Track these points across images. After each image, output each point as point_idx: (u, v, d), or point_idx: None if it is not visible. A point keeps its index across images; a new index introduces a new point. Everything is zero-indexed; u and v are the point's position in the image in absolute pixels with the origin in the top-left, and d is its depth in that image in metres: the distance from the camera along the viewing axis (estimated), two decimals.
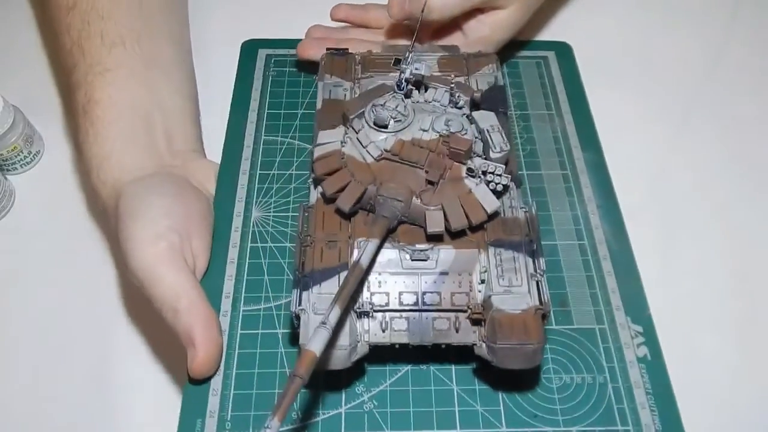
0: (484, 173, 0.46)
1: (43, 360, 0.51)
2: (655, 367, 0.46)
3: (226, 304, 0.48)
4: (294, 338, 0.47)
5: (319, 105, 0.53)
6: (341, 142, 0.48)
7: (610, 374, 0.46)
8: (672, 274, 0.55)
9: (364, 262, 0.42)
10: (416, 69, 0.48)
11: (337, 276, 0.44)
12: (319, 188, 0.47)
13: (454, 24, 0.61)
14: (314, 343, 0.37)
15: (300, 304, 0.43)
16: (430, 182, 0.46)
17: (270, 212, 0.53)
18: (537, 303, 0.43)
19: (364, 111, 0.49)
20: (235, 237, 0.52)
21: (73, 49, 0.53)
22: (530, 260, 0.45)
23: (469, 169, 0.46)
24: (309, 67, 0.63)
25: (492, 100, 0.52)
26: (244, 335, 0.47)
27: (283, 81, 0.63)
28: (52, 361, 0.51)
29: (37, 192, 0.58)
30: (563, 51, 0.65)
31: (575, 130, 0.59)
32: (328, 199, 0.46)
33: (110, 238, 0.57)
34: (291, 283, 0.49)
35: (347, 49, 0.57)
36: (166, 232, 0.46)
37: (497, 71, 0.56)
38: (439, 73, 0.53)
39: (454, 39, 0.61)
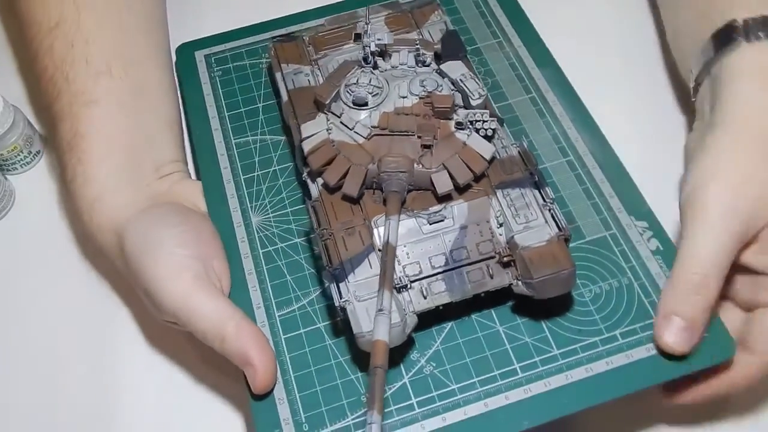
0: (472, 123, 0.47)
1: (44, 360, 0.52)
2: (669, 253, 0.49)
3: (260, 315, 0.49)
4: (337, 329, 0.48)
5: (284, 96, 0.53)
6: (327, 130, 0.48)
7: (632, 273, 0.49)
8: (656, 163, 0.57)
9: (393, 240, 0.43)
10: (379, 39, 0.49)
11: (366, 260, 0.45)
12: (319, 180, 0.48)
13: None
14: (380, 331, 0.38)
15: (342, 297, 0.44)
16: (425, 146, 0.47)
17: (269, 214, 0.54)
18: (556, 230, 0.45)
19: (338, 93, 0.49)
20: (244, 247, 0.52)
21: (56, 75, 0.51)
22: (537, 192, 0.47)
23: (458, 123, 0.47)
24: (252, 55, 0.62)
25: (450, 47, 0.53)
26: (289, 339, 0.48)
27: (231, 78, 0.62)
28: (52, 361, 0.52)
29: (37, 192, 0.58)
30: None
31: (527, 51, 0.61)
32: (332, 189, 0.47)
33: (108, 275, 0.57)
34: (314, 278, 0.50)
35: (293, 33, 0.57)
36: (187, 262, 0.46)
37: (444, 16, 0.56)
38: (396, 36, 0.53)
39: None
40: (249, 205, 0.54)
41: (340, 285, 0.44)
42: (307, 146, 0.48)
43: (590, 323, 0.47)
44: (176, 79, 0.62)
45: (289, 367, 0.47)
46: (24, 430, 0.50)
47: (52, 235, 0.55)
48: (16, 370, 0.52)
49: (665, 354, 0.45)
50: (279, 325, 0.49)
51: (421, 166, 0.46)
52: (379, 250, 0.45)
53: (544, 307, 0.47)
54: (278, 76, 0.55)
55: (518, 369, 0.46)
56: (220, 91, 0.61)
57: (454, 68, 0.50)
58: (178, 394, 0.52)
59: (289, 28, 0.64)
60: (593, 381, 0.45)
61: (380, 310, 0.39)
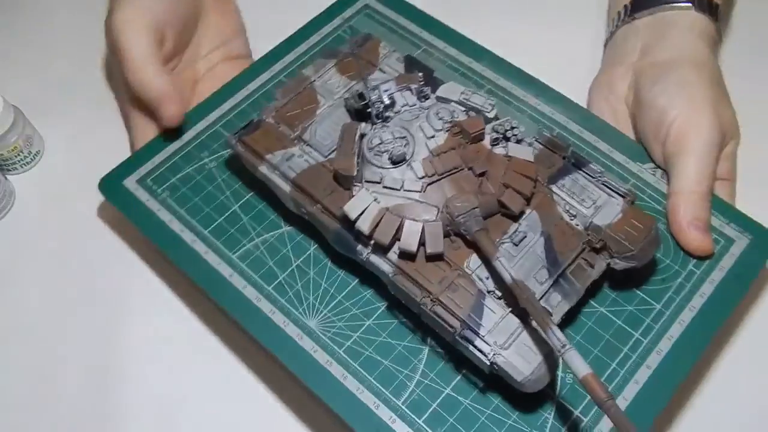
0: (503, 134, 0.47)
1: (44, 359, 0.52)
2: None
3: (384, 412, 0.45)
4: (494, 380, 0.45)
5: (285, 187, 0.49)
6: (375, 201, 0.45)
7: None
8: None
9: (515, 275, 0.42)
10: (386, 90, 0.46)
11: (485, 307, 0.43)
12: (394, 253, 0.45)
13: None
14: (581, 365, 0.37)
15: (487, 353, 0.42)
16: (480, 174, 0.45)
17: (322, 310, 0.49)
18: (621, 198, 0.47)
19: (366, 160, 0.46)
20: (322, 357, 0.47)
21: None
22: (583, 172, 0.48)
23: (494, 140, 0.47)
24: (190, 160, 0.56)
25: (420, 71, 0.52)
26: (430, 417, 0.45)
27: (184, 194, 0.55)
28: (52, 361, 0.52)
29: (37, 192, 0.58)
30: None
31: (456, 50, 0.61)
32: (411, 255, 0.44)
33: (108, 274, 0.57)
34: (416, 345, 0.47)
35: (253, 119, 0.52)
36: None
37: (388, 46, 0.55)
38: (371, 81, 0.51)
39: None
40: (297, 313, 0.49)
41: (476, 343, 0.42)
42: (364, 225, 0.44)
43: (666, 269, 0.50)
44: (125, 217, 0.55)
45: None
46: (24, 427, 0.50)
47: (52, 235, 0.54)
48: (16, 369, 0.52)
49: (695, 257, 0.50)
50: (406, 410, 0.45)
51: (483, 195, 0.45)
52: (489, 291, 0.44)
53: (625, 273, 0.48)
54: (264, 169, 0.50)
55: (640, 338, 0.47)
56: (182, 211, 0.54)
57: (452, 90, 0.49)
58: (181, 391, 0.52)
59: (208, 117, 0.58)
60: (701, 315, 0.48)
61: (564, 346, 0.38)
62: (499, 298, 0.44)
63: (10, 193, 0.57)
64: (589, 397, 0.42)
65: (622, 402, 0.45)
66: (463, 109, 0.48)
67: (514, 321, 0.43)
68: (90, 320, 0.54)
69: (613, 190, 0.47)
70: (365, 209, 0.45)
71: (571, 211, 0.47)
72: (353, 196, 0.45)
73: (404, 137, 0.46)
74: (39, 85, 0.65)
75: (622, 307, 0.49)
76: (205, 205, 0.54)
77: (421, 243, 0.44)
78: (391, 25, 0.63)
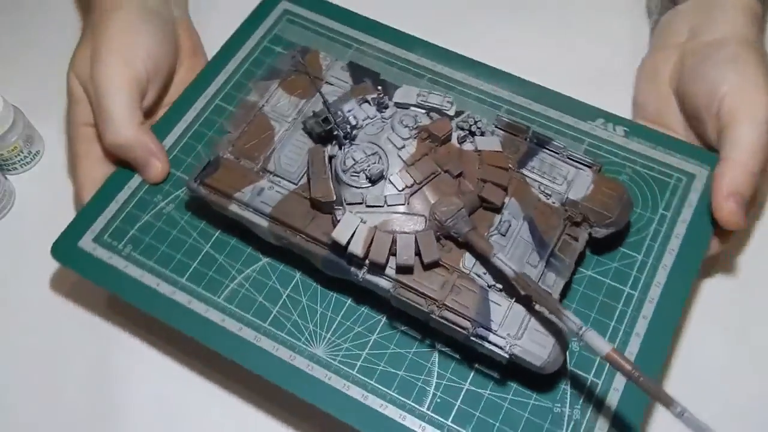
0: (470, 131, 0.48)
1: (43, 359, 0.52)
2: (638, 128, 0.55)
3: (413, 422, 0.46)
4: (508, 368, 0.47)
5: (262, 222, 0.48)
6: (362, 222, 0.45)
7: (629, 162, 0.54)
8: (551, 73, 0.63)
9: (516, 268, 0.43)
10: (350, 110, 0.45)
11: (490, 302, 0.44)
12: (391, 268, 0.45)
13: None
14: (601, 343, 0.39)
15: (503, 346, 0.43)
16: (458, 175, 0.46)
17: (327, 335, 0.49)
18: (589, 169, 0.49)
19: (343, 184, 0.45)
20: (338, 382, 0.47)
21: None
22: (547, 150, 0.49)
23: (461, 138, 0.47)
24: (143, 207, 0.54)
25: (367, 77, 0.51)
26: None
27: (150, 245, 0.53)
28: (51, 361, 0.52)
29: (37, 192, 0.58)
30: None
31: (390, 45, 0.60)
32: (407, 268, 0.45)
33: None
34: (426, 355, 0.48)
35: (209, 159, 0.50)
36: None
37: (329, 56, 0.54)
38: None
39: None
40: (301, 344, 0.49)
41: (491, 339, 0.43)
42: (357, 248, 0.44)
43: (638, 219, 0.52)
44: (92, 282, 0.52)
45: None
46: (25, 427, 0.51)
47: (52, 235, 0.53)
48: (15, 368, 0.52)
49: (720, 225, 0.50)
50: (433, 414, 0.46)
51: (464, 194, 0.46)
52: (490, 286, 0.45)
53: (608, 239, 0.50)
54: (235, 208, 0.48)
55: (630, 291, 0.50)
56: (152, 263, 0.52)
57: (408, 94, 0.49)
58: (180, 390, 0.53)
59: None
60: (681, 256, 0.51)
61: (580, 328, 0.40)
62: (501, 290, 0.45)
63: (10, 193, 0.57)
64: (598, 359, 0.45)
65: (630, 356, 0.47)
66: (424, 111, 0.48)
67: (521, 310, 0.44)
68: (91, 319, 0.54)
69: (579, 163, 0.49)
70: (354, 232, 0.44)
71: (546, 191, 0.48)
72: (337, 220, 0.45)
73: (375, 153, 0.46)
74: (39, 85, 0.65)
75: (606, 266, 0.51)
76: (174, 252, 0.52)
77: (416, 253, 0.44)
78: (317, 28, 0.62)
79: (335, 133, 0.46)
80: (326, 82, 0.52)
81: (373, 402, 0.47)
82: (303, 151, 0.49)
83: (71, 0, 0.70)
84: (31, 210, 0.58)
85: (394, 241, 0.44)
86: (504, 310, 0.44)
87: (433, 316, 0.44)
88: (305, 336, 0.49)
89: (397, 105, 0.49)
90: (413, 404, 0.47)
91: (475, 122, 0.47)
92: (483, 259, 0.45)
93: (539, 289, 0.42)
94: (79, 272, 0.52)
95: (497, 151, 0.47)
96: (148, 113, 0.56)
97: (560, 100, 0.57)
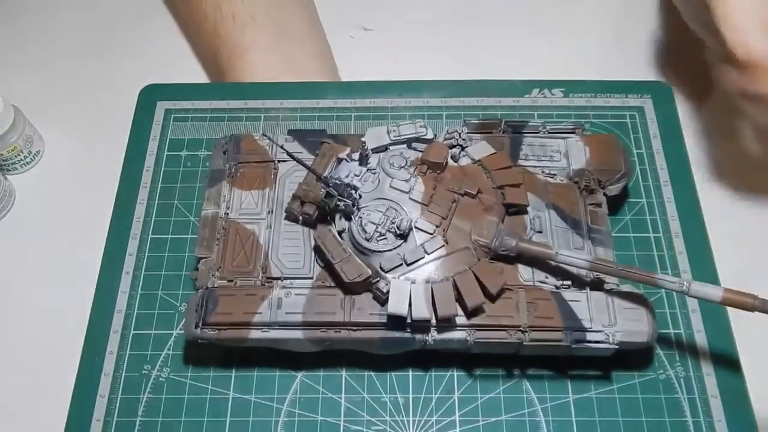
0: (459, 145, 0.45)
1: (43, 359, 0.50)
2: None
3: None
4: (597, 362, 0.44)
5: (297, 335, 0.42)
6: (412, 282, 0.40)
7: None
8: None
9: (586, 257, 0.41)
10: (346, 175, 0.41)
11: (567, 303, 0.42)
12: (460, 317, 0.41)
13: None
14: (710, 289, 0.39)
15: (609, 338, 0.41)
16: (477, 194, 0.43)
17: (420, 416, 0.44)
18: (574, 134, 0.48)
19: (372, 253, 0.41)
20: None
21: (212, 37, 0.57)
22: (523, 133, 0.48)
23: (455, 156, 0.45)
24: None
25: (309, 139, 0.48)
26: None
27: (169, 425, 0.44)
28: (51, 361, 0.49)
29: (37, 192, 0.57)
30: None
31: (289, 100, 0.56)
32: (478, 309, 0.41)
33: None
34: None
35: (203, 298, 0.43)
36: None
37: (260, 135, 0.49)
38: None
39: None
40: None
41: (590, 337, 0.41)
42: (422, 312, 0.40)
43: None
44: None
45: None
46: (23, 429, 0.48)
47: (52, 235, 0.53)
48: (15, 368, 0.50)
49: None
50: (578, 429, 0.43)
51: (491, 209, 0.43)
52: (558, 288, 0.42)
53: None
54: (257, 334, 0.42)
55: (653, 236, 0.50)
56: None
57: (377, 135, 0.45)
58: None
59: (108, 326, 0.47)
60: (675, 184, 0.52)
61: (682, 284, 0.38)
62: (570, 287, 0.42)
63: (10, 193, 0.56)
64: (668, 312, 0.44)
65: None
66: (404, 146, 0.44)
67: (600, 296, 0.42)
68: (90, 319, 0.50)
69: (563, 132, 0.48)
70: (410, 297, 0.39)
71: (550, 173, 0.46)
72: (383, 293, 0.40)
73: (389, 208, 0.41)
74: (39, 85, 0.63)
75: (623, 221, 0.50)
76: (197, 417, 0.45)
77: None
78: (209, 115, 0.56)
79: (340, 206, 0.41)
80: (281, 161, 0.46)
81: None
82: (300, 241, 0.43)
83: (72, 0, 0.69)
84: (31, 210, 0.56)
85: (455, 287, 0.40)
86: (585, 304, 0.41)
87: (526, 344, 0.40)
88: (387, 430, 0.43)
89: (375, 151, 0.44)
90: None
91: (459, 135, 0.44)
92: (541, 263, 0.42)
93: (619, 266, 0.40)
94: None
95: (493, 154, 0.44)
96: None
97: (490, 86, 0.56)
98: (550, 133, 0.48)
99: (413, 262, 0.40)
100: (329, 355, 0.44)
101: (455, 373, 0.45)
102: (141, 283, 0.49)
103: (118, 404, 0.45)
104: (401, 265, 0.40)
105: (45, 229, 0.55)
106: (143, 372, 0.46)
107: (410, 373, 0.45)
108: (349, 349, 0.43)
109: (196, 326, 0.42)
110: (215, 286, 0.43)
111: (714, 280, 0.47)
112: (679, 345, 0.46)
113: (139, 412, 0.45)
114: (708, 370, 0.45)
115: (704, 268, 0.48)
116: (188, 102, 0.56)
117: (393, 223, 0.40)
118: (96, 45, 0.64)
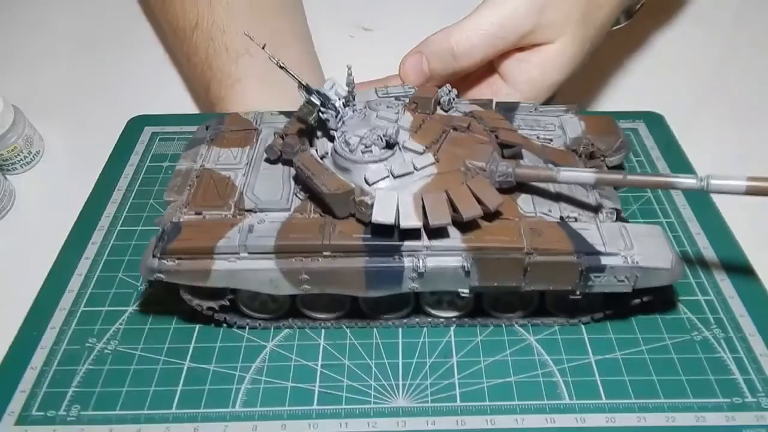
0: (448, 101, 0.44)
1: None
2: None
3: None
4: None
5: (268, 265, 0.36)
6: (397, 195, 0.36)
7: None
8: None
9: (588, 172, 0.37)
10: (330, 88, 0.39)
11: (576, 231, 0.37)
12: (455, 237, 0.36)
13: (490, 69, 0.51)
14: (732, 181, 0.35)
15: (627, 259, 0.35)
16: (466, 129, 0.40)
17: (412, 380, 0.37)
18: (566, 109, 0.46)
19: (357, 164, 0.37)
20: None
21: (204, 68, 0.56)
22: (514, 111, 0.46)
23: (445, 107, 0.43)
24: None
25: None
26: None
27: (110, 393, 0.37)
28: None
29: (37, 192, 0.57)
30: None
31: None
32: (473, 222, 0.36)
33: None
34: None
35: (162, 230, 0.38)
36: None
37: (248, 114, 0.47)
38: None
39: (493, 86, 0.51)
40: (371, 406, 0.35)
41: (605, 261, 0.35)
42: (410, 220, 0.35)
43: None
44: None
45: None
46: None
47: (52, 235, 0.49)
48: None
49: None
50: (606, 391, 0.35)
51: (484, 143, 0.40)
52: (562, 218, 0.38)
53: None
54: (222, 264, 0.36)
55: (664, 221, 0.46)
56: (120, 413, 0.36)
57: (366, 96, 0.44)
58: None
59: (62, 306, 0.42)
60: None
61: (701, 179, 0.34)
62: (576, 220, 0.38)
63: (10, 193, 0.55)
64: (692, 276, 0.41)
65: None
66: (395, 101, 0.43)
67: (612, 225, 0.37)
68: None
69: (557, 111, 0.46)
70: (397, 205, 0.35)
71: (546, 138, 0.44)
72: (363, 207, 0.36)
73: (375, 126, 0.38)
74: (39, 85, 0.63)
75: (627, 208, 0.47)
76: (144, 387, 0.37)
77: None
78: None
79: (325, 116, 0.38)
80: (256, 130, 0.45)
81: (506, 422, 0.34)
82: (278, 178, 0.40)
83: (71, 1, 0.69)
84: (31, 210, 0.55)
85: (449, 201, 0.35)
86: (596, 232, 0.37)
87: (530, 267, 0.35)
88: (373, 395, 0.36)
89: (367, 105, 0.42)
90: (553, 402, 0.35)
91: (449, 91, 0.43)
92: (543, 193, 0.38)
93: (628, 175, 0.36)
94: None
95: (488, 109, 0.43)
96: None
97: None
98: (542, 113, 0.46)
99: (401, 175, 0.36)
100: (301, 316, 0.38)
101: (453, 339, 0.39)
102: (101, 267, 0.44)
103: (50, 376, 0.38)
104: (387, 177, 0.36)
105: (45, 229, 0.52)
106: (87, 345, 0.39)
107: (400, 340, 0.39)
108: (331, 295, 0.37)
109: (154, 255, 0.36)
110: (181, 221, 0.38)
111: (740, 254, 0.43)
112: (709, 303, 0.40)
113: (74, 383, 0.37)
114: (750, 331, 0.38)
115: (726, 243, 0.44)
116: (176, 126, 0.56)
117: (379, 136, 0.37)
118: (96, 45, 0.65)
